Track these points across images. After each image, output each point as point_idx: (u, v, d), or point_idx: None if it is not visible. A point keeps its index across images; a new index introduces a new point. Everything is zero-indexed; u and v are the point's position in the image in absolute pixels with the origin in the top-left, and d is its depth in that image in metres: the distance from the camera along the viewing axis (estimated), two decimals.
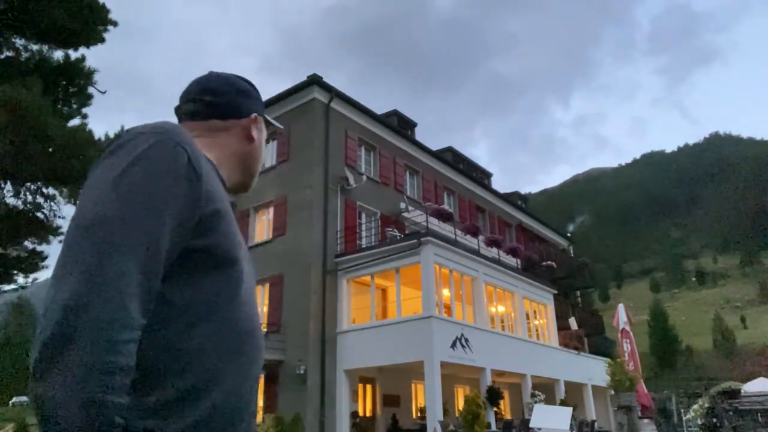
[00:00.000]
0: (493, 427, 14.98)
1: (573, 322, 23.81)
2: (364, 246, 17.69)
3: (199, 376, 0.85)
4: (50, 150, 9.60)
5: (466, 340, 15.39)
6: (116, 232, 0.78)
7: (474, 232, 19.33)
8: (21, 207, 11.22)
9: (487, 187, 27.82)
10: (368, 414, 16.96)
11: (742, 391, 18.11)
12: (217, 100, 1.14)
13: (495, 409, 15.74)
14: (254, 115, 1.18)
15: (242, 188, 1.21)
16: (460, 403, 16.33)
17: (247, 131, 1.16)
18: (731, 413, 16.08)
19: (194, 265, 0.88)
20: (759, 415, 16.17)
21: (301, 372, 14.95)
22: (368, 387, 17.29)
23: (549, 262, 24.84)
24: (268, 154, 19.30)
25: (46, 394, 0.70)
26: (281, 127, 1.37)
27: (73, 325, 0.72)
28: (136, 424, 0.77)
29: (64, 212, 11.69)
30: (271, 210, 18.15)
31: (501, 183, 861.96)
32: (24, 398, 43.07)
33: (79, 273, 0.75)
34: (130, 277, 0.77)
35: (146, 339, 0.80)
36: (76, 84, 10.70)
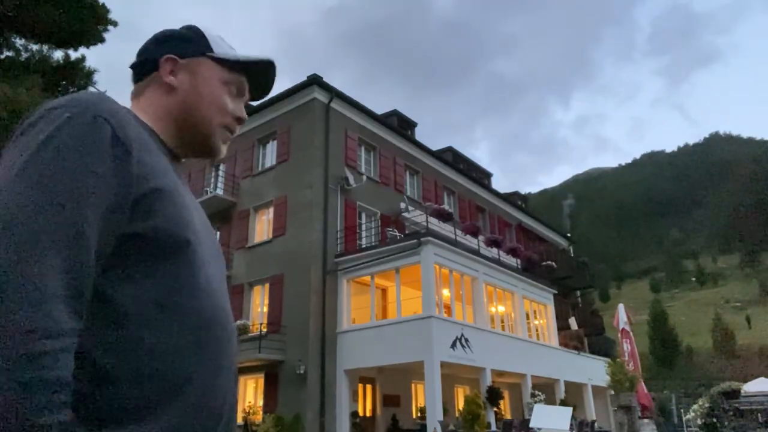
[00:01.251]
0: (493, 427, 14.98)
1: (573, 322, 23.83)
2: (364, 246, 17.70)
3: (160, 380, 0.75)
4: None
5: (466, 340, 15.39)
6: (29, 223, 0.66)
7: (474, 232, 19.33)
8: None
9: (487, 187, 27.82)
10: (368, 414, 16.96)
11: (742, 391, 18.15)
12: (138, 59, 1.00)
13: (495, 409, 15.73)
14: (165, 56, 0.97)
15: (201, 150, 1.01)
16: (460, 403, 16.33)
17: (159, 79, 0.97)
18: (731, 413, 16.10)
19: (136, 253, 0.77)
20: (759, 415, 16.20)
21: (301, 372, 14.96)
22: (368, 387, 17.29)
23: (549, 262, 24.85)
24: (268, 155, 19.31)
25: None
26: (239, 57, 1.01)
27: None
28: None
29: None
30: (271, 210, 18.15)
31: (501, 183, 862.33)
32: None
33: None
34: (52, 275, 0.66)
35: (91, 345, 0.70)
36: (76, 84, 10.68)
